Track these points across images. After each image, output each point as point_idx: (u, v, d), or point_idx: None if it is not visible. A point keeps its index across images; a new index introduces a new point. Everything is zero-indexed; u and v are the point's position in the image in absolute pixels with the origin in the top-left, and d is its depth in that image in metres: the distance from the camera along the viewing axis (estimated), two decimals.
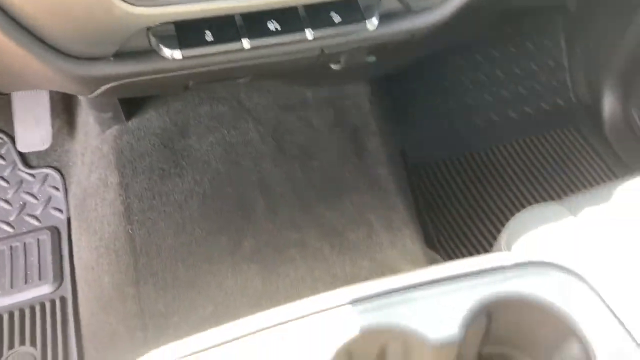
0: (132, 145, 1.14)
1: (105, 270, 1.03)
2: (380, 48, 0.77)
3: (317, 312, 0.48)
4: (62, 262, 1.18)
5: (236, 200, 1.10)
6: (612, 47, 1.45)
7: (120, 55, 0.63)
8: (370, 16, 0.67)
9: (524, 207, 1.37)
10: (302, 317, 0.47)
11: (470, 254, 1.32)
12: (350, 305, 0.48)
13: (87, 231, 1.13)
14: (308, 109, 1.25)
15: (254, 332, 0.46)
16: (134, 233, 1.04)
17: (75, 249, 1.16)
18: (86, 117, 1.26)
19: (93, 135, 1.21)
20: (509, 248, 0.80)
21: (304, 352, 0.45)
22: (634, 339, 0.46)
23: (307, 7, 0.64)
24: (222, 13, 0.60)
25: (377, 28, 0.67)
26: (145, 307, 0.96)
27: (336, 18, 0.66)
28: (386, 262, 1.04)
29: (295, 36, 0.65)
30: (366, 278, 1.03)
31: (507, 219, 1.36)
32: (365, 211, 1.11)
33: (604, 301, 0.49)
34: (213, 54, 0.62)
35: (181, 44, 0.61)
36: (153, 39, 0.61)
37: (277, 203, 1.10)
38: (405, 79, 1.47)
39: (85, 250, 1.12)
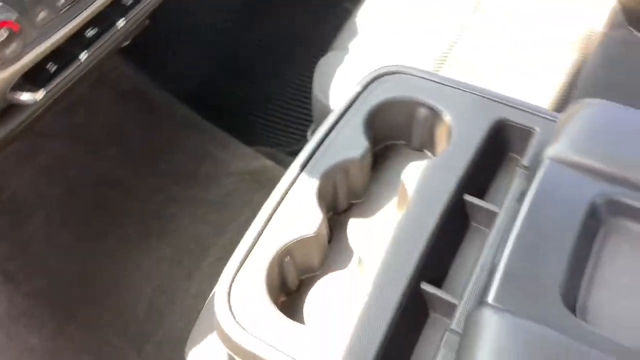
0: None
1: (28, 333, 1.05)
2: (155, 10, 0.90)
3: (287, 190, 0.67)
4: None
5: (93, 206, 1.16)
6: None
7: None
8: None
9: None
10: (284, 194, 0.66)
11: (278, 136, 1.55)
12: (304, 171, 0.68)
13: None
14: (91, 102, 1.30)
15: (272, 214, 0.64)
16: (29, 289, 1.07)
17: None
18: None
19: None
20: (326, 95, 1.05)
21: (301, 209, 0.65)
22: (459, 88, 0.74)
23: (108, 6, 0.75)
24: (60, 43, 0.69)
25: None
26: (96, 327, 1.03)
27: (129, 1, 0.78)
28: (241, 169, 1.24)
29: (111, 32, 0.76)
30: (237, 189, 1.22)
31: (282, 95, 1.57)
32: (194, 146, 1.27)
33: (424, 77, 0.76)
34: (64, 77, 0.71)
35: (37, 85, 0.69)
36: (9, 95, 0.68)
37: (124, 185, 1.19)
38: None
39: None
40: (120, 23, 0.76)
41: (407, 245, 0.63)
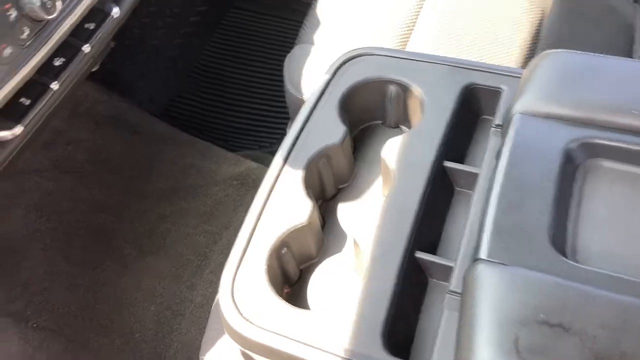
0: None
1: None
2: (120, 29, 0.91)
3: (273, 184, 0.68)
4: None
5: (88, 235, 1.17)
6: None
7: None
8: (111, 9, 0.81)
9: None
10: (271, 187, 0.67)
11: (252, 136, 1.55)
12: (287, 164, 0.69)
13: None
14: (65, 130, 1.31)
15: (262, 210, 0.65)
16: (39, 325, 1.07)
17: None
18: None
19: None
20: (298, 88, 1.06)
21: (290, 201, 0.66)
22: (424, 60, 0.76)
23: (71, 34, 0.76)
24: (30, 76, 0.70)
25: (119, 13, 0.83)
26: (109, 354, 1.04)
27: (91, 25, 0.79)
28: (227, 176, 1.25)
29: (78, 59, 0.77)
30: (227, 195, 1.24)
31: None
32: (177, 160, 1.28)
33: (389, 55, 0.77)
34: (39, 109, 0.72)
35: (13, 121, 0.70)
36: None
37: (115, 210, 1.20)
38: None
39: None
40: (86, 48, 0.77)
41: (398, 219, 0.64)
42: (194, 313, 1.06)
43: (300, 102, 1.05)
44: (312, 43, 1.09)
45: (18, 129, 0.69)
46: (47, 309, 1.08)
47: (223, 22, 1.70)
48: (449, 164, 0.69)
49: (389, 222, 0.64)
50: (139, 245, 1.15)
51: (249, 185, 1.24)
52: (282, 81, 1.13)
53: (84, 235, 1.17)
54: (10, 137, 0.69)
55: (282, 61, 1.14)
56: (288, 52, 1.14)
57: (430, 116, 0.72)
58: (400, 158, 0.69)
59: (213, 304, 0.78)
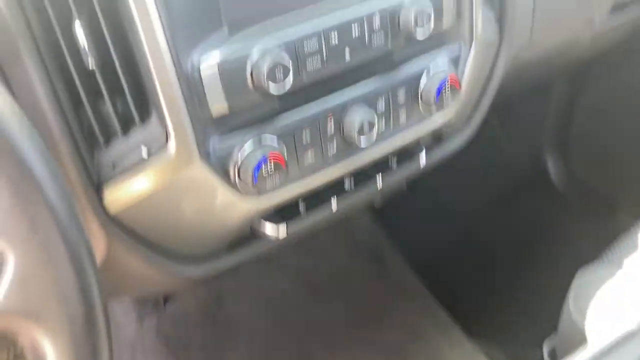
0: (176, 330, 1.15)
1: None
2: (417, 176, 0.87)
3: None
4: None
5: (295, 352, 1.12)
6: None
7: (232, 246, 0.69)
8: (420, 151, 0.77)
9: (532, 277, 1.46)
10: None
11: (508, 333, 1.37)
12: None
13: None
14: (324, 244, 1.32)
15: None
16: None
17: None
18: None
19: (128, 332, 1.20)
20: (582, 314, 0.88)
21: None
22: None
23: (374, 165, 0.74)
24: (314, 188, 0.68)
25: (425, 161, 0.78)
26: None
27: (394, 164, 0.76)
28: None
29: (367, 188, 0.74)
30: None
31: (518, 293, 1.41)
32: (412, 320, 1.17)
33: None
34: (311, 220, 0.70)
35: (283, 221, 0.68)
36: (255, 224, 0.68)
37: (333, 341, 1.14)
38: None
39: None
40: (379, 182, 0.73)
41: None
42: None
43: (576, 329, 0.87)
44: (619, 267, 0.91)
45: (282, 233, 0.67)
46: None
47: (530, 209, 1.60)
48: None
49: None
50: None
51: None
52: (561, 291, 0.97)
53: (290, 350, 1.12)
54: (273, 237, 0.67)
55: (569, 268, 0.99)
56: (577, 266, 0.98)
57: None
58: None
59: None
